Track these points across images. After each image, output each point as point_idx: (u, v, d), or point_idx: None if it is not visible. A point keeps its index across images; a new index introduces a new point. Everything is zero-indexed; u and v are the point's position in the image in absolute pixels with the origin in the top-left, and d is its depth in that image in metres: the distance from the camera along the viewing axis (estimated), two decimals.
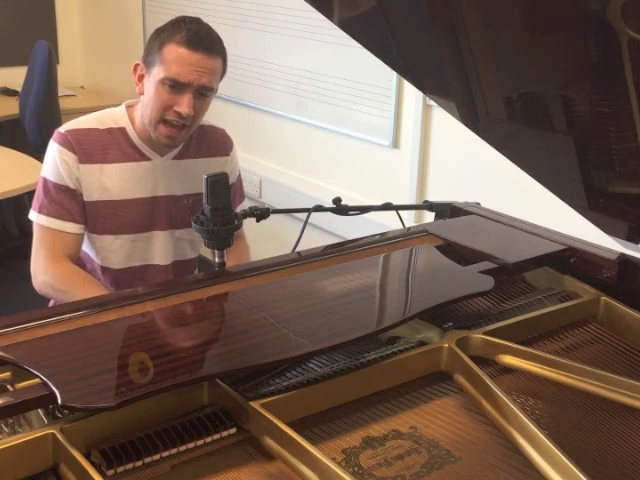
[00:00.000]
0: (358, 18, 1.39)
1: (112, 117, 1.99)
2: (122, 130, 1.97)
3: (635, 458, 1.08)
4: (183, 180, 2.02)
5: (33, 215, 1.95)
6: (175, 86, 1.85)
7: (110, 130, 1.96)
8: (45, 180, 1.94)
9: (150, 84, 1.88)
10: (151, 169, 1.98)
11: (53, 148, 1.93)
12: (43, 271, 1.92)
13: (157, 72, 1.86)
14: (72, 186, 1.92)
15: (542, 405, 1.18)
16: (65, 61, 5.07)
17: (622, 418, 1.16)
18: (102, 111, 2.02)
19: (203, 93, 1.88)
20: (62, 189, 1.92)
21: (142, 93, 1.93)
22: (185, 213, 2.02)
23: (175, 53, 1.84)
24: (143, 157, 1.97)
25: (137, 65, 1.93)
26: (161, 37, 1.87)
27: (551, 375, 1.23)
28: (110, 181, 1.94)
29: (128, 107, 2.00)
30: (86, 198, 1.93)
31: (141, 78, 1.92)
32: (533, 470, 1.04)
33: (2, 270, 3.99)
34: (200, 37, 1.85)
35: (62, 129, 1.94)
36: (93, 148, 1.93)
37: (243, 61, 3.74)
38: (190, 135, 2.00)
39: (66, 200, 1.92)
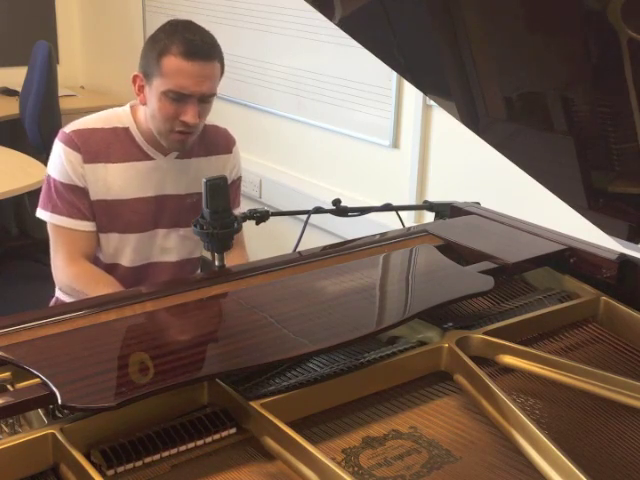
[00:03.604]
0: (358, 18, 1.39)
1: (117, 117, 2.00)
2: (126, 130, 1.98)
3: (635, 458, 1.08)
4: (186, 179, 2.03)
5: (45, 215, 1.96)
6: (178, 98, 1.86)
7: (115, 130, 1.97)
8: (54, 180, 1.95)
9: (152, 96, 1.89)
10: (155, 168, 1.99)
11: (58, 147, 1.95)
12: (62, 271, 1.97)
13: (158, 85, 1.86)
14: (80, 184, 1.93)
15: (542, 405, 1.18)
16: (65, 61, 5.06)
17: (622, 418, 1.16)
18: (107, 110, 2.03)
19: (205, 100, 1.90)
20: (71, 188, 1.93)
21: (144, 103, 1.93)
22: (189, 212, 2.02)
23: (174, 65, 1.84)
24: (147, 157, 1.99)
25: (136, 76, 1.93)
26: (157, 48, 1.87)
27: (551, 375, 1.23)
28: (114, 180, 1.95)
29: (132, 107, 2.01)
30: (92, 197, 1.95)
31: (141, 89, 1.93)
32: (533, 470, 1.04)
33: (2, 270, 3.98)
34: (196, 45, 1.85)
35: (67, 129, 1.96)
36: (98, 147, 1.94)
37: (243, 61, 3.74)
38: None
39: (76, 199, 1.94)
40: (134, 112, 1.99)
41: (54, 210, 1.95)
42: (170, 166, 2.01)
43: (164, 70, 1.85)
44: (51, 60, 4.03)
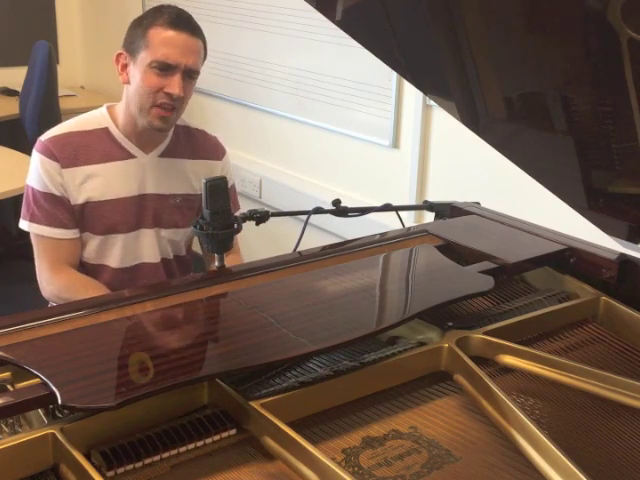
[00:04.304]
0: (358, 18, 1.39)
1: (94, 119, 1.99)
2: (105, 130, 1.96)
3: (635, 458, 1.08)
4: (170, 179, 2.01)
5: (24, 224, 1.97)
6: (163, 69, 1.85)
7: (92, 132, 1.96)
8: (32, 189, 1.95)
9: (136, 71, 1.88)
10: (137, 166, 1.97)
11: (35, 157, 1.94)
12: (48, 282, 1.95)
13: (144, 57, 1.86)
14: (57, 193, 1.92)
15: (542, 405, 1.18)
16: (65, 61, 5.06)
17: (622, 418, 1.16)
18: (83, 115, 2.02)
19: (189, 75, 1.89)
20: (48, 197, 1.92)
21: (127, 82, 1.93)
22: (172, 213, 2.01)
23: (161, 35, 1.85)
24: (128, 155, 1.97)
25: (120, 55, 1.94)
26: (143, 23, 1.90)
27: (551, 375, 1.23)
28: (96, 182, 1.93)
29: (108, 107, 2.00)
30: (73, 202, 1.93)
31: (124, 67, 1.93)
32: (533, 470, 1.04)
33: (2, 270, 3.98)
34: (183, 19, 1.89)
35: (43, 137, 1.95)
36: (75, 151, 1.93)
37: (243, 61, 3.74)
38: (177, 134, 2.02)
39: (54, 207, 1.92)
40: (111, 112, 1.98)
41: (32, 219, 1.94)
42: (152, 164, 1.99)
43: (150, 41, 1.86)
44: (51, 60, 4.02)
